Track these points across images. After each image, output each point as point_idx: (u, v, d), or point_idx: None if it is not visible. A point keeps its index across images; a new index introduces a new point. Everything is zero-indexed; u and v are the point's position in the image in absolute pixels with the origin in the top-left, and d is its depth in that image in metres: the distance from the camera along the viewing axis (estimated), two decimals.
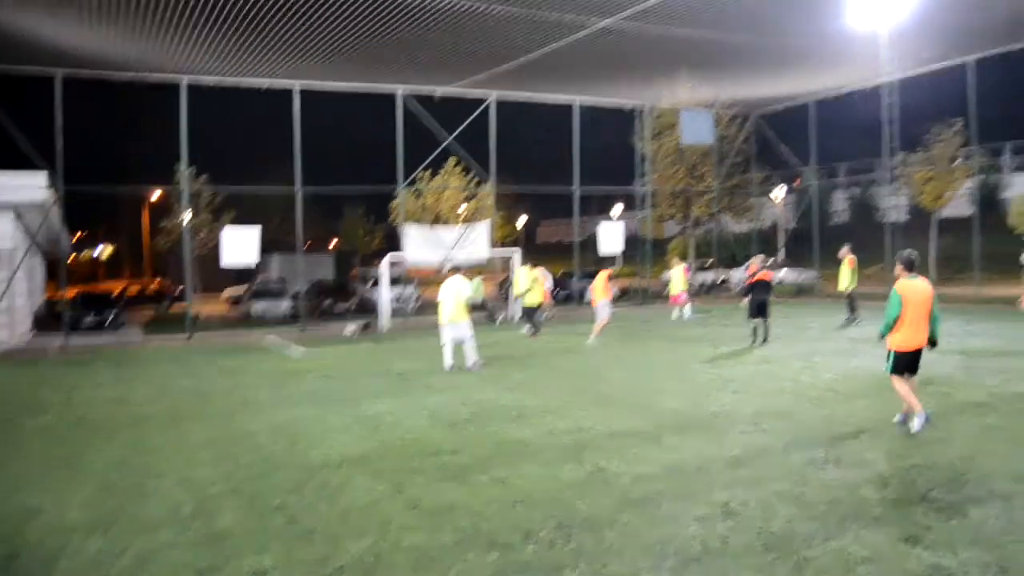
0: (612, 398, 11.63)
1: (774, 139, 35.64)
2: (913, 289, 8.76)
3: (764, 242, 38.48)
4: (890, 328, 8.91)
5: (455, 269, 15.61)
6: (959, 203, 36.27)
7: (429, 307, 29.04)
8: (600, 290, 19.23)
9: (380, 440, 9.41)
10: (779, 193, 36.61)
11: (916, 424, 8.73)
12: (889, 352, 9.01)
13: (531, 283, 20.66)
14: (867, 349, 15.76)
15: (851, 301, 21.01)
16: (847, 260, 20.91)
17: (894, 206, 34.94)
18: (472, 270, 26.44)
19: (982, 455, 7.80)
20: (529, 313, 21.28)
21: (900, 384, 8.95)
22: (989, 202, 39.24)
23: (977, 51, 27.07)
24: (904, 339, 8.83)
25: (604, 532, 6.03)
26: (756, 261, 18.08)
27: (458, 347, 15.15)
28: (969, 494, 6.62)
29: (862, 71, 28.44)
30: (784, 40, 23.46)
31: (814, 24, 22.16)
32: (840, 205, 53.08)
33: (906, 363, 8.94)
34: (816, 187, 36.84)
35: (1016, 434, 8.37)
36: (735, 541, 5.75)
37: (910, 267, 8.89)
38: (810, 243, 35.21)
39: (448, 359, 14.96)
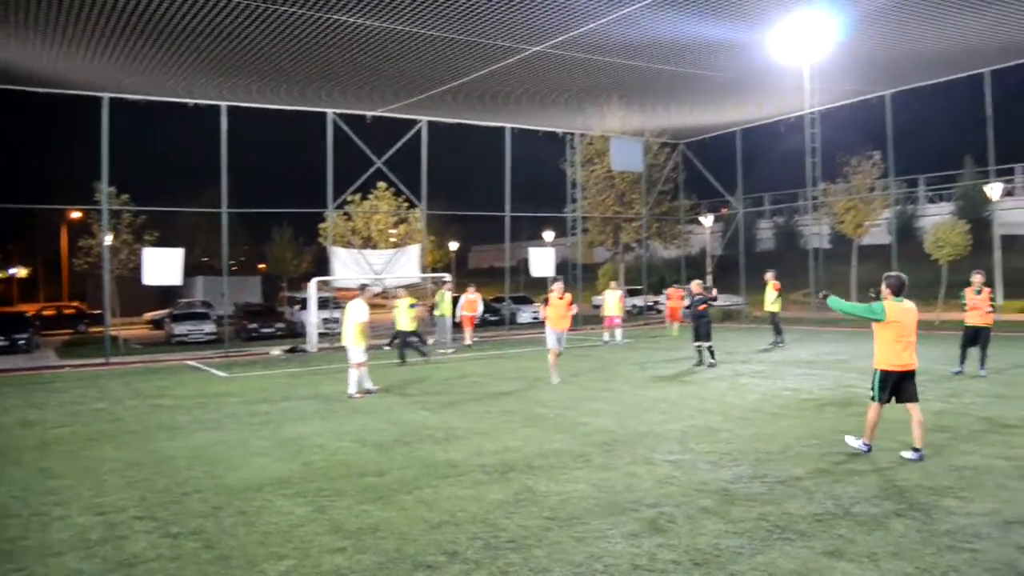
0: (541, 419, 11.56)
1: (701, 168, 36.36)
2: (900, 311, 8.41)
3: (692, 268, 39.12)
4: (843, 308, 8.62)
5: (360, 291, 15.27)
6: (878, 232, 37.53)
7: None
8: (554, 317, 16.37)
9: (303, 463, 9.15)
10: (707, 220, 37.29)
11: (853, 442, 8.81)
12: (875, 373, 8.65)
13: (408, 309, 19.65)
14: (791, 371, 16.06)
15: (776, 325, 21.45)
16: (772, 284, 21.42)
17: (817, 234, 35.92)
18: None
19: (904, 470, 7.94)
20: (403, 337, 20.02)
21: (874, 413, 8.61)
22: (906, 231, 40.69)
23: (893, 86, 28.11)
24: (891, 359, 8.44)
25: (532, 550, 5.92)
26: (696, 285, 18.15)
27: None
28: (891, 507, 6.71)
29: (786, 102, 29.27)
30: (712, 71, 24.00)
31: (740, 57, 22.73)
32: (766, 233, 54.38)
33: (891, 385, 8.51)
34: (742, 215, 37.66)
35: (935, 451, 8.54)
36: (663, 557, 5.70)
37: (898, 290, 8.51)
38: (737, 269, 35.91)
39: (352, 386, 14.49)
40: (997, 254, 30.84)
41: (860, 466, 8.15)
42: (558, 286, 15.90)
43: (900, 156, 31.37)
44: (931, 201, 48.42)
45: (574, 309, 15.96)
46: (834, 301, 8.74)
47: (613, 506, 7.00)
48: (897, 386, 8.55)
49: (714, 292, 19.39)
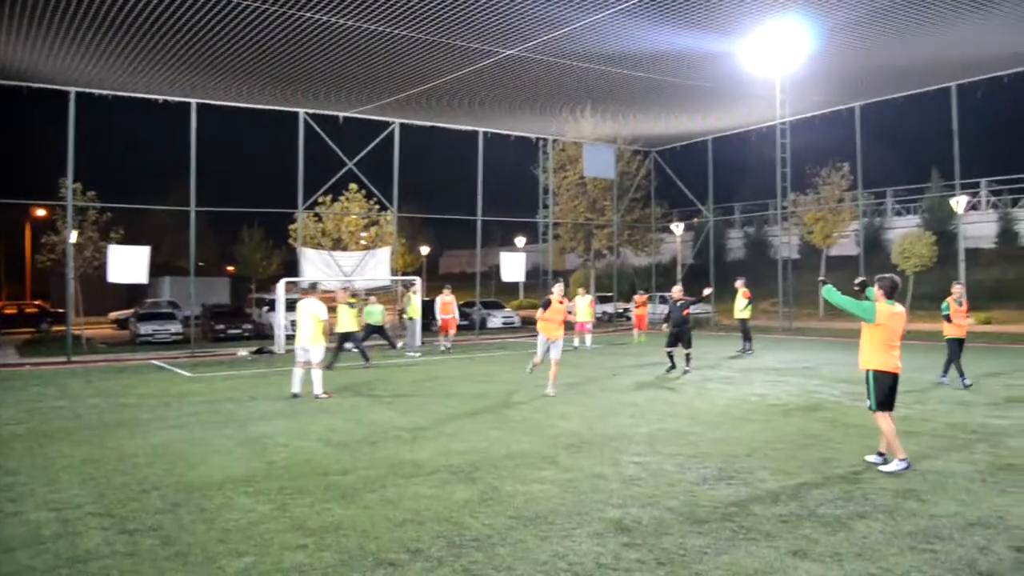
0: (509, 421, 11.50)
1: (673, 176, 36.58)
2: (890, 314, 8.29)
3: (663, 276, 39.30)
4: (836, 300, 8.46)
5: (311, 290, 15.09)
6: (847, 243, 38.01)
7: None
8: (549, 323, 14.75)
9: (266, 461, 9.01)
10: (678, 229, 37.50)
11: (894, 467, 8.09)
12: (867, 377, 8.41)
13: (350, 311, 19.11)
14: (759, 377, 16.15)
15: (745, 332, 21.59)
16: (742, 292, 21.60)
17: (786, 243, 36.26)
18: (376, 297, 26.04)
19: (868, 472, 7.99)
20: (341, 340, 19.36)
21: (887, 422, 8.25)
22: (874, 242, 41.20)
23: (863, 98, 28.47)
24: (882, 360, 8.29)
25: (496, 549, 5.86)
26: (677, 291, 17.91)
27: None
28: (855, 509, 6.74)
29: (758, 113, 29.54)
30: (684, 79, 24.16)
31: (713, 67, 22.91)
32: (736, 242, 54.79)
33: (888, 389, 8.29)
34: (712, 224, 37.91)
35: (892, 454, 8.57)
36: (628, 556, 5.66)
37: (891, 292, 8.40)
38: (707, 278, 36.15)
39: (296, 385, 14.22)
40: (962, 266, 31.27)
41: (825, 469, 8.19)
42: (559, 288, 14.55)
43: (869, 168, 31.81)
44: (898, 214, 49.06)
45: (571, 316, 15.06)
46: (829, 291, 8.59)
47: (579, 506, 6.96)
48: (891, 391, 8.33)
49: (706, 291, 19.17)
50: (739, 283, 21.89)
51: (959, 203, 28.86)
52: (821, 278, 9.14)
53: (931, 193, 43.54)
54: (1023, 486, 7.41)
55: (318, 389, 14.24)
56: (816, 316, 38.31)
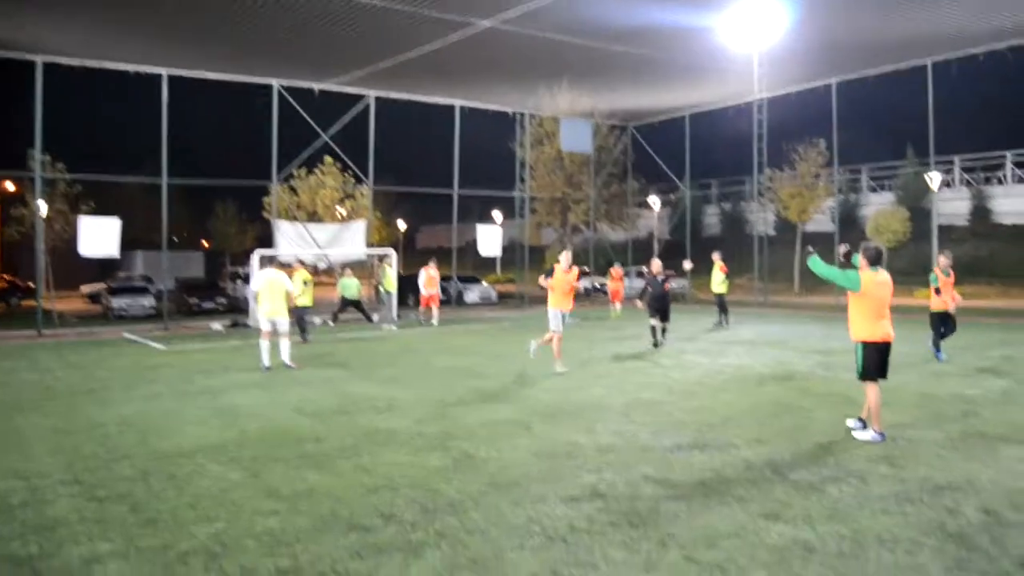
0: (485, 391, 11.49)
1: (650, 151, 36.54)
2: (876, 282, 8.19)
3: (639, 251, 39.37)
4: (820, 270, 8.30)
5: (269, 261, 14.98)
6: (822, 219, 38.22)
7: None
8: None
9: (240, 430, 8.95)
10: (656, 203, 37.52)
11: (868, 436, 8.07)
12: (856, 348, 8.33)
13: (302, 285, 18.40)
14: (734, 349, 16.24)
15: (722, 306, 21.68)
16: (719, 265, 21.66)
17: (762, 219, 36.41)
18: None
19: (841, 440, 8.05)
20: (300, 315, 18.50)
21: (874, 392, 8.18)
22: (849, 218, 41.48)
23: (839, 75, 28.50)
24: (870, 330, 8.21)
25: (469, 514, 5.85)
26: (656, 265, 17.80)
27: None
28: (827, 474, 6.79)
29: (735, 88, 29.48)
30: (662, 54, 24.05)
31: (691, 41, 22.80)
32: (712, 218, 54.96)
33: (877, 359, 8.22)
34: (689, 199, 37.96)
35: (866, 422, 8.61)
36: (601, 520, 5.67)
37: (875, 260, 8.26)
38: (683, 253, 36.25)
39: (266, 357, 14.06)
40: (935, 242, 31.56)
41: (798, 437, 8.24)
42: (566, 256, 13.67)
43: (844, 145, 31.92)
44: (873, 190, 49.39)
45: (579, 286, 14.18)
46: (814, 261, 8.44)
47: (553, 473, 6.96)
48: (881, 361, 8.26)
49: (687, 265, 19.05)
50: (716, 256, 21.94)
51: (933, 180, 29.08)
52: (809, 247, 9.06)
53: (906, 170, 43.87)
54: (992, 452, 7.49)
55: (286, 357, 14.22)
56: (791, 291, 38.57)
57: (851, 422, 8.54)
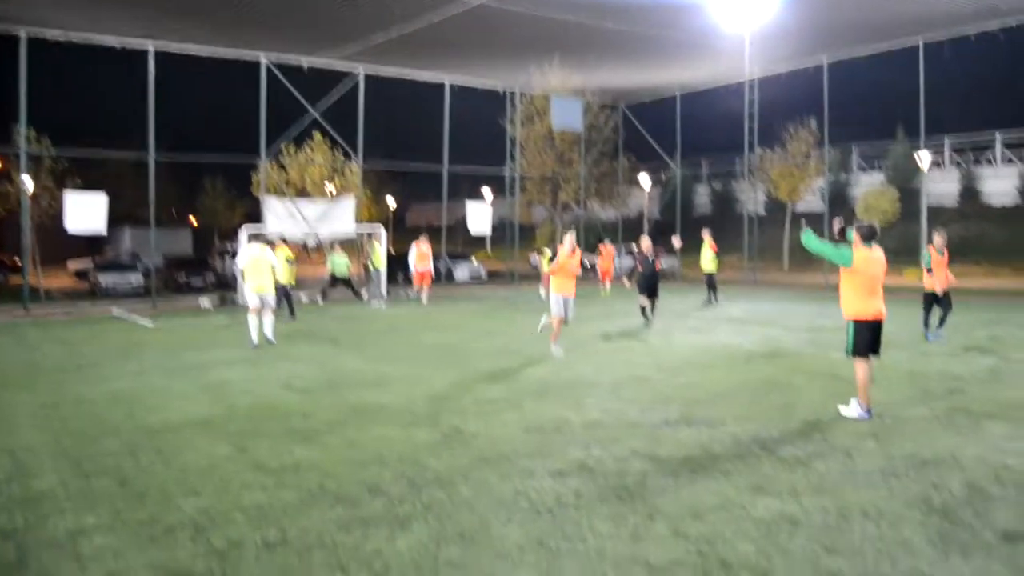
0: (474, 367, 11.49)
1: (641, 130, 36.44)
2: (868, 259, 8.15)
3: (630, 230, 39.35)
4: (813, 246, 8.33)
5: (256, 237, 14.95)
6: (812, 199, 38.27)
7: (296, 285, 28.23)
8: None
9: (228, 405, 8.93)
10: (647, 182, 37.46)
11: (854, 413, 8.07)
12: (848, 325, 8.28)
13: (284, 264, 18.07)
14: (723, 327, 16.28)
15: (712, 284, 21.71)
16: (709, 244, 21.67)
17: (752, 199, 36.43)
18: (342, 247, 25.80)
19: (827, 416, 8.09)
20: (285, 293, 18.28)
21: (862, 369, 8.13)
22: (839, 198, 41.50)
23: (830, 54, 28.44)
24: (861, 307, 8.17)
25: (457, 488, 5.86)
26: (646, 243, 17.74)
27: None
28: (814, 449, 6.82)
29: (726, 67, 29.38)
30: (653, 31, 23.93)
31: (682, 18, 22.70)
32: (703, 198, 54.94)
33: (867, 336, 8.18)
34: (680, 178, 37.93)
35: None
36: (589, 494, 5.69)
37: (868, 237, 8.23)
38: (673, 232, 36.25)
39: (255, 333, 14.00)
40: (924, 223, 31.65)
41: (786, 413, 8.28)
42: (570, 238, 12.92)
43: (835, 124, 31.92)
44: (863, 170, 49.41)
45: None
46: (808, 236, 8.44)
47: (541, 447, 6.98)
48: (872, 339, 8.23)
49: (676, 242, 19.05)
50: (706, 235, 21.94)
51: (923, 160, 29.12)
52: (803, 221, 9.02)
53: (896, 150, 43.90)
54: (977, 429, 7.55)
55: (269, 332, 14.24)
56: (781, 269, 38.67)
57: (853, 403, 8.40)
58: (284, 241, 19.50)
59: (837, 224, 8.87)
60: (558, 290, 12.80)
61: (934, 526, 5.03)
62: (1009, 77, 41.36)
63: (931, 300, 14.04)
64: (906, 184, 39.07)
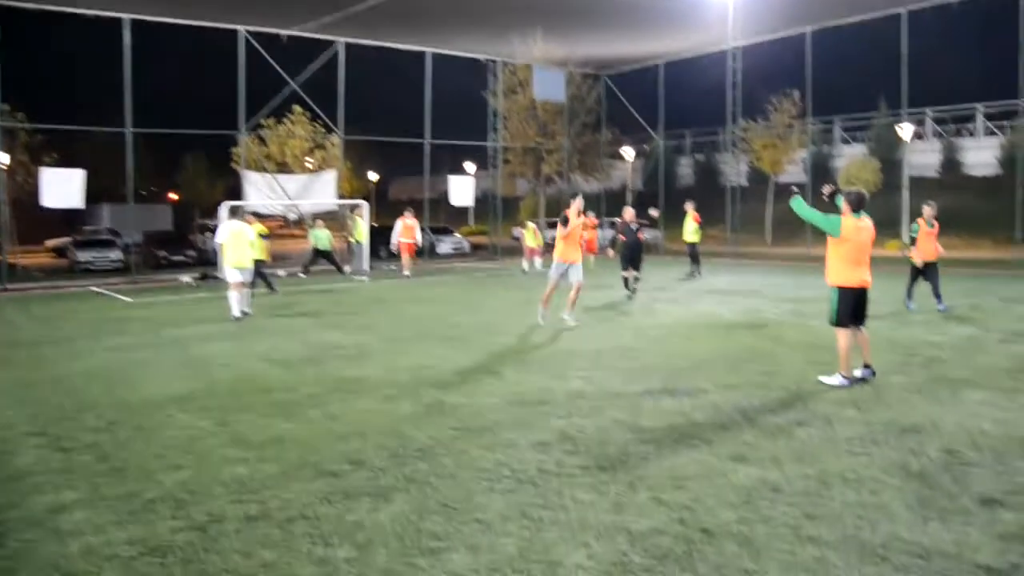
0: (457, 339, 11.49)
1: (624, 100, 36.27)
2: (857, 228, 8.14)
3: (613, 202, 39.30)
4: (803, 212, 8.34)
5: (234, 211, 14.89)
6: (795, 171, 38.30)
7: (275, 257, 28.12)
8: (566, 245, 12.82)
9: (209, 380, 8.89)
10: (630, 154, 37.39)
11: (835, 381, 8.11)
12: (832, 292, 8.30)
13: (257, 239, 18.28)
14: (706, 298, 16.33)
15: (694, 256, 21.74)
16: (692, 215, 21.66)
17: (735, 170, 36.43)
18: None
19: (807, 384, 8.14)
20: (260, 269, 17.45)
21: (844, 338, 8.15)
22: (822, 170, 41.56)
23: (814, 23, 28.33)
24: (847, 276, 8.17)
25: (439, 459, 5.87)
26: (629, 213, 17.65)
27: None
28: (795, 417, 6.87)
29: (709, 36, 29.26)
30: None
31: None
32: (686, 170, 54.93)
33: (851, 304, 8.20)
34: (663, 149, 37.86)
35: (834, 367, 8.62)
36: (571, 463, 5.71)
37: (858, 206, 8.21)
38: (656, 204, 36.24)
39: (236, 307, 14.00)
40: (905, 194, 31.77)
41: (767, 382, 8.32)
42: (577, 202, 12.59)
43: (818, 95, 31.89)
44: (846, 141, 49.53)
45: (589, 234, 12.71)
46: (798, 203, 8.43)
47: (524, 418, 6.99)
48: (855, 307, 8.26)
49: (652, 212, 19.04)
50: (689, 206, 21.91)
51: (905, 130, 29.18)
52: (793, 188, 8.98)
53: (878, 121, 43.96)
54: (955, 396, 7.61)
55: (247, 306, 14.28)
56: (763, 242, 38.78)
57: (858, 372, 8.34)
58: (257, 216, 19.18)
59: (828, 188, 8.80)
60: (561, 256, 12.59)
61: (913, 492, 5.07)
62: (991, 47, 41.41)
63: (917, 271, 14.00)
64: (888, 156, 39.16)
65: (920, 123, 44.30)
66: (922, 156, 42.10)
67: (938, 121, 46.29)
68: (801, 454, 5.86)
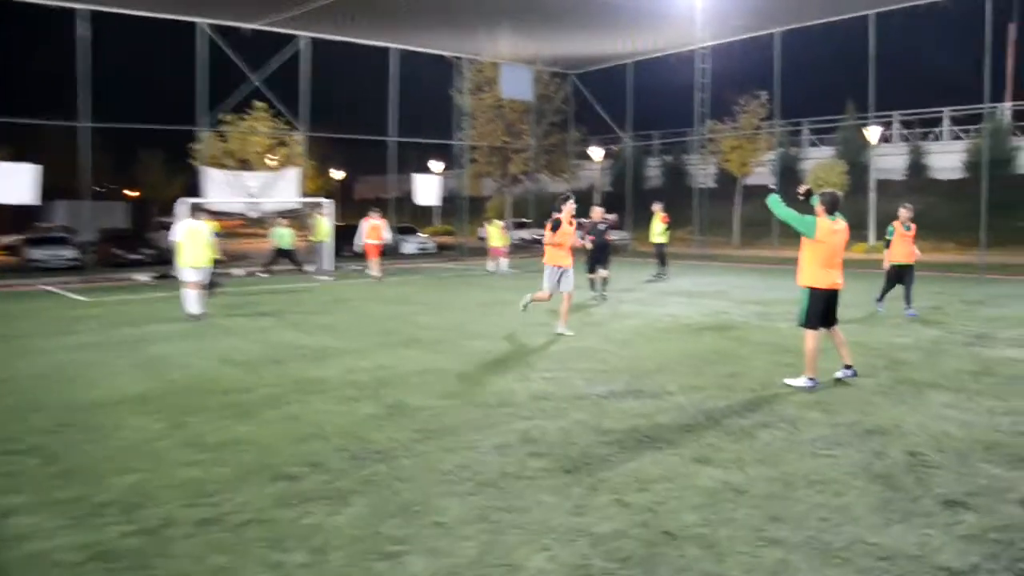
0: (420, 340, 11.43)
1: (592, 100, 36.39)
2: (830, 231, 8.18)
3: (580, 203, 39.36)
4: (778, 210, 8.28)
5: (196, 209, 14.70)
6: (763, 173, 38.67)
7: (235, 257, 27.86)
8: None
9: (164, 381, 8.74)
10: (597, 154, 37.49)
11: (801, 383, 8.17)
12: (802, 293, 8.33)
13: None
14: (672, 300, 16.42)
15: (662, 257, 21.83)
16: (659, 215, 21.73)
17: (703, 172, 36.70)
18: (286, 220, 25.35)
19: (772, 386, 8.20)
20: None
21: (812, 340, 8.17)
22: (789, 173, 42.01)
23: (782, 24, 28.64)
24: (819, 277, 8.21)
25: (400, 461, 5.83)
26: (597, 212, 17.59)
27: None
28: (760, 419, 6.92)
29: (678, 36, 29.46)
30: None
31: None
32: (654, 171, 55.17)
33: (821, 306, 8.25)
34: (631, 149, 38.04)
35: (800, 369, 8.67)
36: (533, 465, 5.70)
37: (832, 207, 8.23)
38: (624, 205, 36.40)
39: (192, 306, 13.85)
40: (872, 196, 32.24)
41: (732, 383, 8.37)
42: (569, 206, 12.12)
43: (786, 97, 32.24)
44: (813, 144, 50.06)
45: (574, 240, 12.28)
46: (774, 201, 8.39)
47: (486, 420, 6.96)
48: (827, 307, 8.34)
49: (613, 218, 19.08)
50: (656, 207, 21.97)
51: (872, 133, 29.60)
52: (770, 185, 8.96)
53: (846, 124, 44.48)
54: (919, 398, 7.71)
55: (202, 306, 14.10)
56: (731, 244, 39.11)
57: (839, 373, 8.51)
58: (211, 214, 18.84)
59: (803, 188, 8.81)
60: (552, 261, 12.04)
61: (876, 494, 5.12)
62: (958, 52, 42.19)
63: (894, 276, 13.93)
64: (855, 159, 39.64)
65: (887, 126, 44.91)
66: (889, 159, 42.66)
67: (905, 124, 46.95)
68: (765, 456, 5.90)
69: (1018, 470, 5.59)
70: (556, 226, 11.90)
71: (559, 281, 12.00)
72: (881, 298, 14.15)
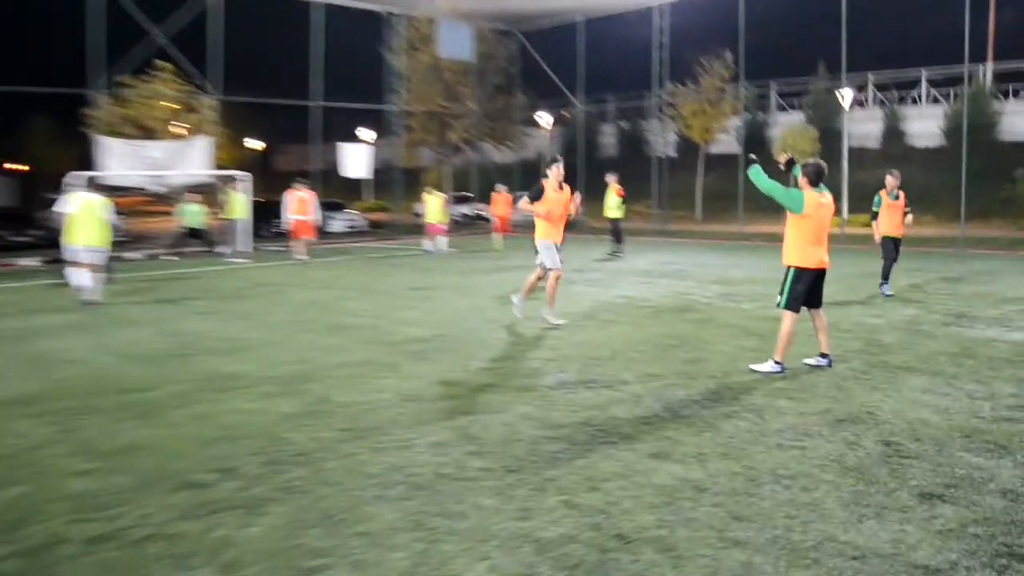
0: (348, 328, 11.34)
1: (540, 60, 36.34)
2: (817, 204, 8.22)
3: (528, 174, 39.43)
4: (761, 182, 8.27)
5: (91, 184, 14.41)
6: (727, 141, 39.09)
7: (140, 239, 27.32)
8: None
9: (53, 380, 8.51)
10: (546, 120, 37.49)
11: (768, 367, 8.32)
12: (787, 272, 8.40)
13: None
14: (628, 280, 16.53)
15: (617, 233, 21.93)
16: (614, 188, 21.80)
17: (663, 140, 36.96)
18: (195, 195, 24.86)
19: (737, 373, 8.30)
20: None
21: (790, 323, 8.29)
22: (756, 139, 42.56)
23: None
24: (805, 255, 8.28)
25: (322, 464, 5.75)
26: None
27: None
28: (723, 409, 6.98)
29: None
30: None
31: None
32: (609, 139, 55.47)
33: (806, 287, 8.35)
34: (583, 115, 38.12)
35: (766, 354, 8.80)
36: (473, 465, 5.67)
37: (817, 179, 8.27)
38: (575, 176, 36.50)
39: (86, 286, 13.68)
40: (845, 165, 32.77)
41: (693, 371, 8.45)
42: (556, 169, 11.40)
43: (752, 58, 32.56)
44: (782, 108, 50.75)
45: (574, 209, 11.68)
46: (756, 172, 8.36)
47: (421, 416, 6.92)
48: (812, 288, 8.43)
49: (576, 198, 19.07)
50: (610, 178, 22.05)
51: (844, 98, 30.07)
52: (751, 156, 8.93)
53: (816, 87, 45.15)
54: (894, 383, 7.86)
55: (97, 293, 13.85)
56: (693, 218, 39.48)
57: (810, 360, 8.62)
58: (109, 189, 18.38)
59: (784, 157, 8.80)
60: (545, 235, 11.42)
61: (848, 488, 5.20)
62: (936, 9, 43.01)
63: (891, 249, 13.95)
64: (827, 124, 40.30)
65: (861, 89, 45.69)
66: (863, 125, 43.45)
67: (880, 87, 47.84)
68: (728, 449, 5.95)
69: (999, 459, 5.72)
70: (538, 194, 11.25)
71: (558, 256, 11.45)
72: (885, 279, 13.88)
